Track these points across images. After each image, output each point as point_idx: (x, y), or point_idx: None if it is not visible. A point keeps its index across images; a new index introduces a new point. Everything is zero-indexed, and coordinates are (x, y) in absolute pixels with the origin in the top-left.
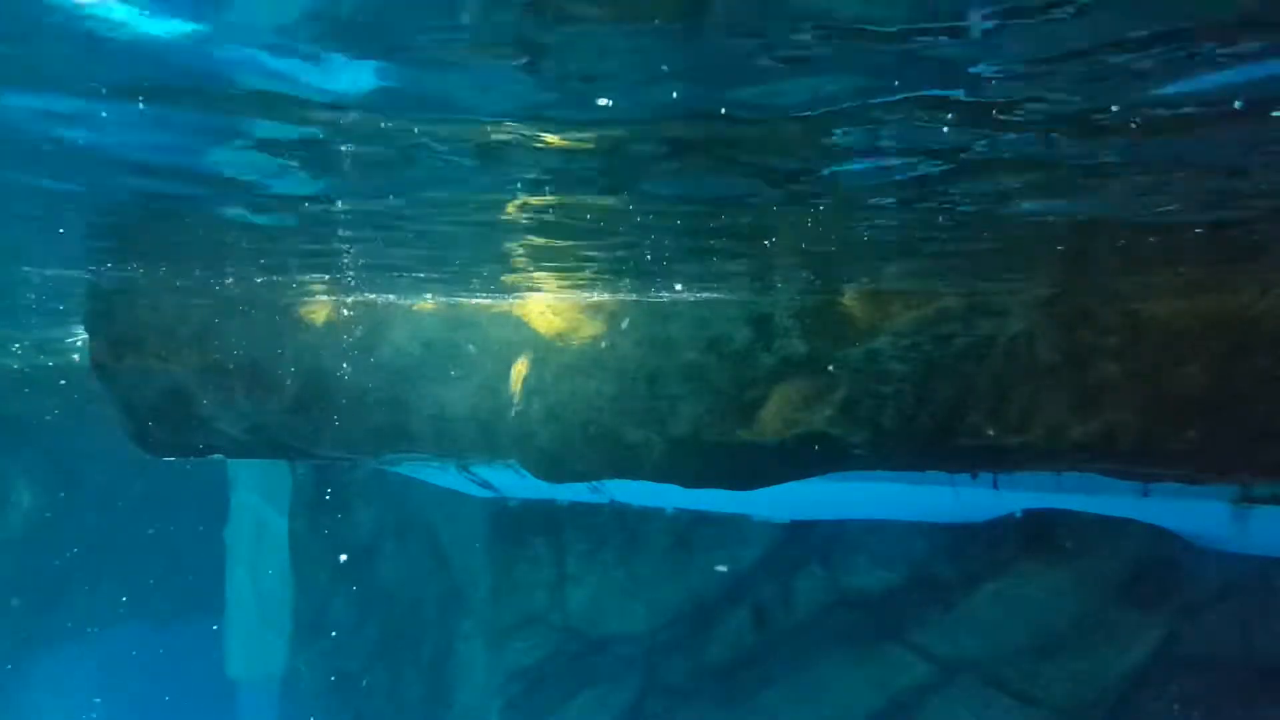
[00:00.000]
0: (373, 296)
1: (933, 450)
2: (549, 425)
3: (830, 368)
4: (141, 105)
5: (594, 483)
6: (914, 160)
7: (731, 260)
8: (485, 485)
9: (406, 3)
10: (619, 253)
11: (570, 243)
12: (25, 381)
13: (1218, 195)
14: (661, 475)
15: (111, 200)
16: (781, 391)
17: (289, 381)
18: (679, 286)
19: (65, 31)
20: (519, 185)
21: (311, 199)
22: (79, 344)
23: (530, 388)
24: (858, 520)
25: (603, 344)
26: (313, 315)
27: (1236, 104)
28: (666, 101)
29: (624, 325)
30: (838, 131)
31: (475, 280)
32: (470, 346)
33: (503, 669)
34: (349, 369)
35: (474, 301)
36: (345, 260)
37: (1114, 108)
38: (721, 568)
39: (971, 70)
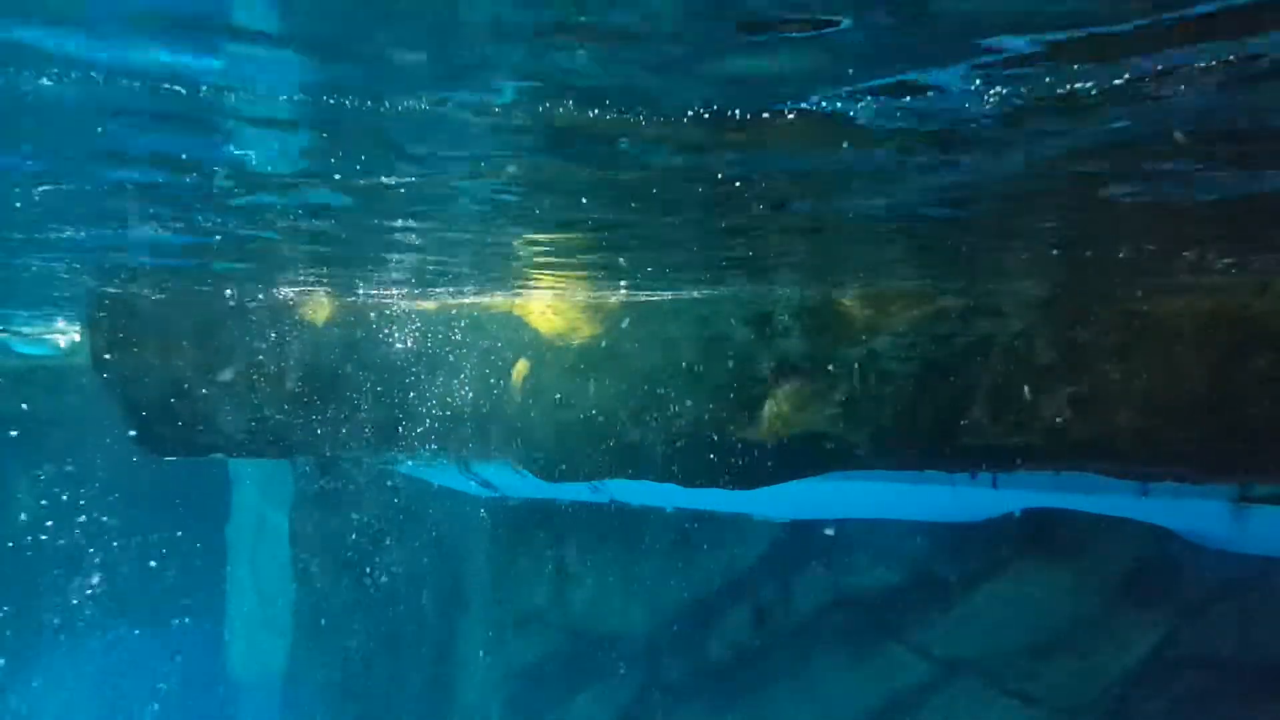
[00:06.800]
0: (373, 296)
1: (932, 450)
2: (549, 424)
3: (830, 368)
4: None
5: (594, 482)
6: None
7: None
8: (486, 484)
9: None
10: (619, 251)
11: (570, 235)
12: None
13: None
14: (662, 475)
15: None
16: (781, 391)
17: (289, 380)
18: (679, 286)
19: None
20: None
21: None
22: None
23: (531, 387)
24: (858, 520)
25: (603, 343)
26: (313, 314)
27: None
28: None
29: (624, 325)
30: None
31: (476, 279)
32: (471, 345)
33: (503, 667)
34: (349, 367)
35: (474, 300)
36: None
37: None
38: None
39: None
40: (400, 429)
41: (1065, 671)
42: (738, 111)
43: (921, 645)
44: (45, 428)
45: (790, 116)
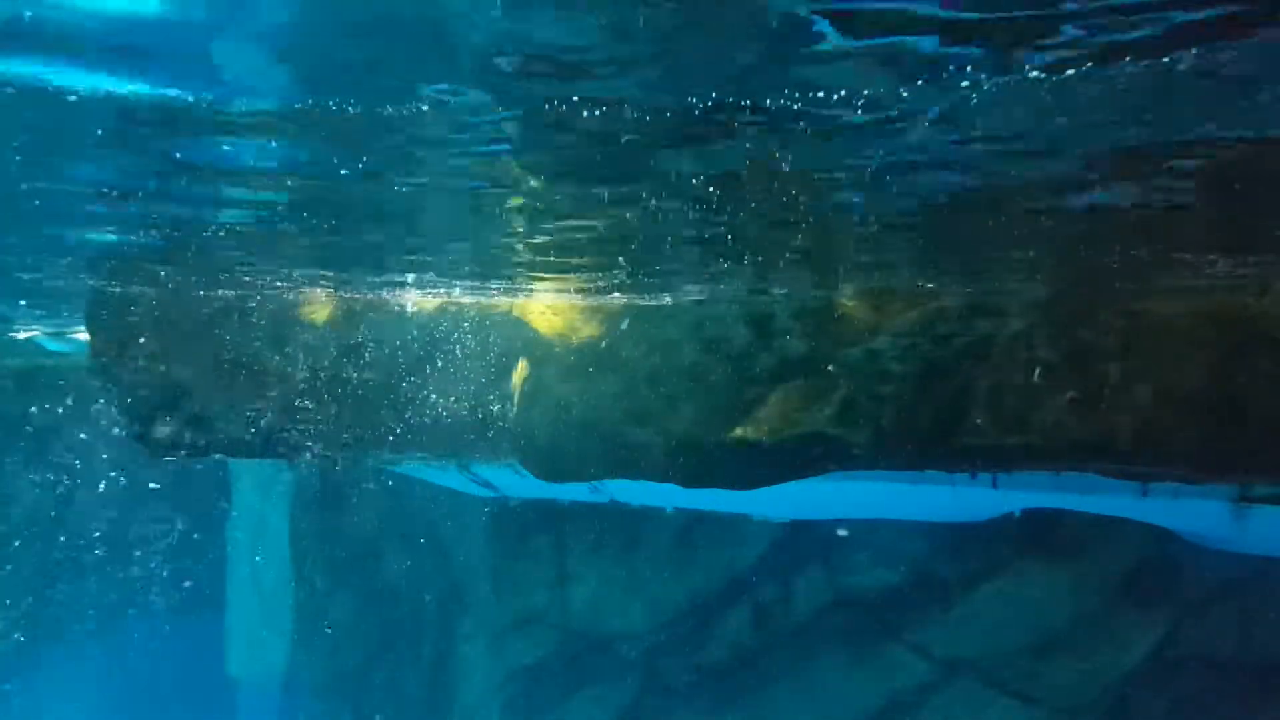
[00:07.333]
0: (373, 295)
1: (932, 450)
2: (549, 425)
3: (830, 368)
4: None
5: (594, 482)
6: None
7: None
8: (486, 485)
9: None
10: (619, 253)
11: (570, 229)
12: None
13: None
14: (661, 475)
15: None
16: (781, 391)
17: (289, 379)
18: (679, 286)
19: None
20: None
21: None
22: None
23: (531, 388)
24: (858, 520)
25: (603, 344)
26: (313, 314)
27: None
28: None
29: (624, 326)
30: None
31: (476, 277)
32: (471, 346)
33: (503, 668)
34: (348, 367)
35: (474, 300)
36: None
37: None
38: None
39: None
40: (400, 429)
41: (1065, 671)
42: None
43: (921, 645)
44: (67, 425)
45: None
